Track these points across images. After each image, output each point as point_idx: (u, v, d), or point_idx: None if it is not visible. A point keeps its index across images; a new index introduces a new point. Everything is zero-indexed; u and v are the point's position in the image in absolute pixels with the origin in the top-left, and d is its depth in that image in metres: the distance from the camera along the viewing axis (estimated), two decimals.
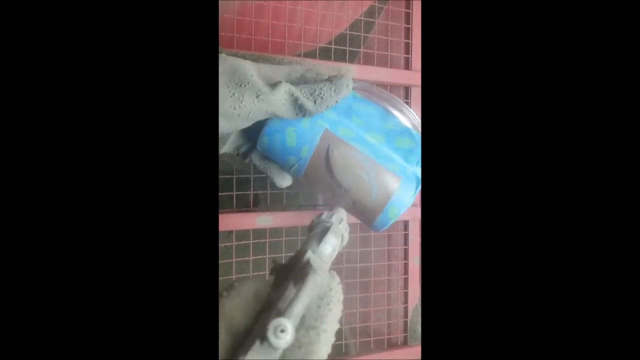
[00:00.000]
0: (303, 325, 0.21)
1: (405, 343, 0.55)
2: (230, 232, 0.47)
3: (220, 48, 0.36)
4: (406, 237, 0.55)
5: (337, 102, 0.34)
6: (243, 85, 0.32)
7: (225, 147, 0.39)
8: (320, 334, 0.21)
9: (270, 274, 0.25)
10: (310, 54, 0.50)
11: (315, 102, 0.34)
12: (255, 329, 0.21)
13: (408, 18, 0.54)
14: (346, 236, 0.26)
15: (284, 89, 0.33)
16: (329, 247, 0.24)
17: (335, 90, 0.34)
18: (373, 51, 0.52)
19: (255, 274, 0.47)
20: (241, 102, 0.32)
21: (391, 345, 0.55)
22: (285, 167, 0.38)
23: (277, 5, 0.48)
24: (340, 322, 0.23)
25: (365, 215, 0.38)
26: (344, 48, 0.51)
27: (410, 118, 0.43)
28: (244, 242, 0.47)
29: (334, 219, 0.27)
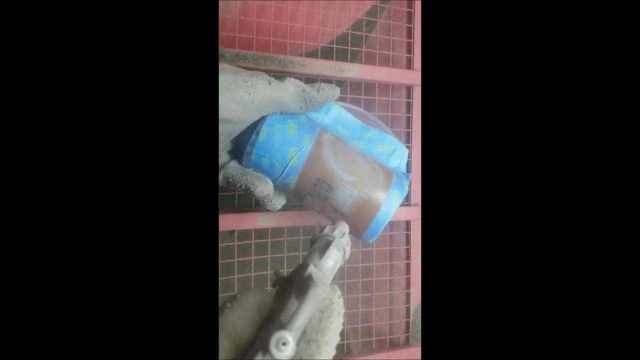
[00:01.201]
0: (304, 338, 0.22)
1: (407, 343, 0.55)
2: (232, 231, 0.47)
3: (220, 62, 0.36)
4: (408, 237, 0.55)
5: (333, 96, 0.37)
6: (254, 76, 0.34)
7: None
8: (321, 346, 0.22)
9: (272, 286, 0.26)
10: (312, 54, 0.50)
11: (318, 91, 0.36)
12: (257, 341, 0.22)
13: (410, 17, 0.53)
14: (348, 250, 0.27)
15: (291, 81, 0.36)
16: (331, 261, 0.25)
17: (330, 88, 0.37)
18: (375, 51, 0.52)
19: (257, 273, 0.47)
20: (255, 88, 0.34)
21: (393, 345, 0.55)
22: (279, 165, 0.37)
23: (278, 5, 0.48)
24: (342, 331, 0.23)
25: (365, 211, 0.38)
26: (345, 47, 0.51)
27: (387, 131, 0.43)
28: (245, 242, 0.47)
29: (336, 232, 0.27)
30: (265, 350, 0.19)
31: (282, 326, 0.20)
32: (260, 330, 0.22)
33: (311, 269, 0.24)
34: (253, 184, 0.37)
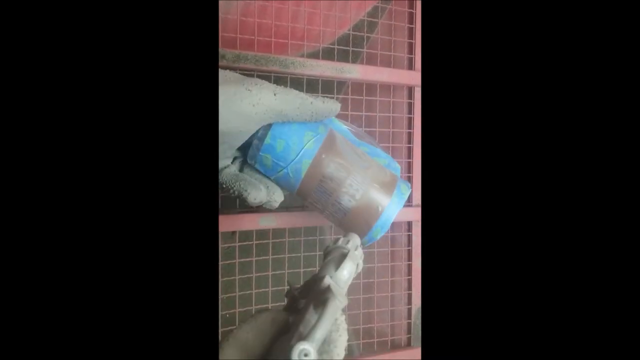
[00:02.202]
0: (320, 350, 0.22)
1: (408, 344, 0.55)
2: (233, 232, 0.47)
3: (224, 69, 0.36)
4: (409, 238, 0.54)
5: (335, 110, 0.37)
6: (258, 85, 0.33)
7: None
8: (333, 357, 0.22)
9: (286, 296, 0.26)
10: (314, 55, 0.50)
11: (323, 102, 0.35)
12: (273, 352, 0.22)
13: (411, 18, 0.53)
14: (361, 263, 0.27)
15: (295, 93, 0.34)
16: (346, 274, 0.25)
17: (333, 101, 0.36)
18: (376, 51, 0.52)
19: (258, 274, 0.47)
20: (260, 99, 0.32)
21: (394, 346, 0.55)
22: (295, 148, 0.37)
23: (280, 6, 0.48)
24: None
25: (369, 211, 0.38)
26: (347, 48, 0.51)
27: (379, 148, 0.43)
28: (247, 242, 0.47)
29: (350, 245, 0.28)
30: None
31: (303, 337, 0.21)
32: (274, 342, 0.23)
33: (328, 280, 0.24)
34: (246, 191, 0.36)
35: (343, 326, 0.24)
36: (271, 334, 0.24)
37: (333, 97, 0.40)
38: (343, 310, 0.24)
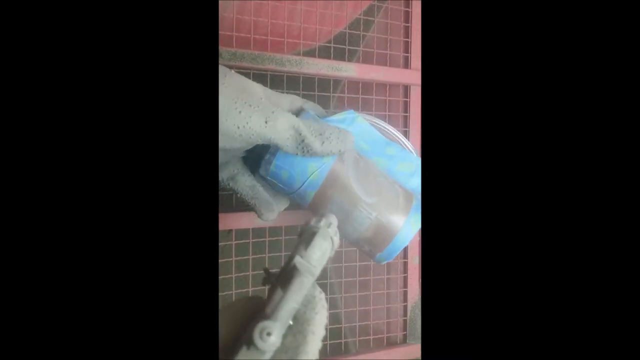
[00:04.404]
0: (290, 332, 0.21)
1: (404, 341, 0.55)
2: (230, 230, 0.47)
3: (230, 68, 0.34)
4: None
5: (339, 151, 0.34)
6: (252, 106, 0.31)
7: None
8: (307, 335, 0.21)
9: (263, 284, 0.25)
10: (310, 53, 0.50)
11: (322, 143, 0.33)
12: (242, 337, 0.21)
13: (407, 17, 0.54)
14: (336, 240, 0.26)
15: (291, 123, 0.32)
16: (317, 251, 0.24)
17: (341, 140, 0.34)
18: (372, 50, 0.52)
19: (255, 272, 0.47)
20: (247, 122, 0.31)
21: (390, 343, 0.55)
22: (298, 179, 0.36)
23: (276, 4, 0.48)
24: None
25: (382, 234, 0.37)
26: (343, 47, 0.51)
27: (409, 148, 0.43)
28: (243, 241, 0.47)
29: (322, 223, 0.26)
30: (250, 342, 0.19)
31: (267, 317, 0.20)
32: (247, 329, 0.22)
33: (296, 259, 0.23)
34: (260, 211, 0.37)
35: (321, 304, 0.23)
36: (247, 322, 0.22)
37: (341, 132, 0.34)
38: (322, 291, 0.23)
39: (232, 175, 0.38)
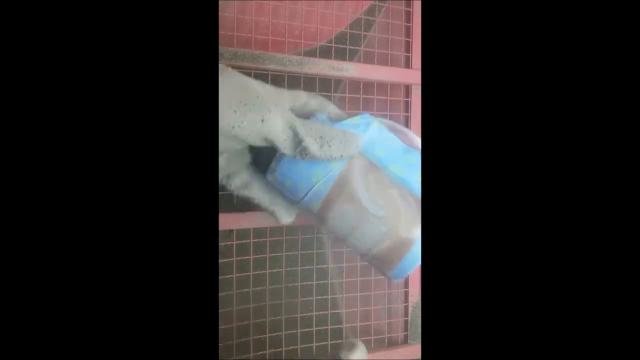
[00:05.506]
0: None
1: (405, 342, 0.55)
2: (231, 231, 0.47)
3: (229, 67, 0.33)
4: None
5: (341, 157, 0.33)
6: (247, 105, 0.30)
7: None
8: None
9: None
10: (311, 53, 0.50)
11: (321, 147, 0.32)
12: None
13: (408, 16, 0.53)
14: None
15: (288, 123, 0.31)
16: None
17: (344, 145, 0.32)
18: (373, 50, 0.52)
19: (255, 273, 0.47)
20: (242, 122, 0.30)
21: (391, 344, 0.55)
22: (302, 188, 0.34)
23: (277, 4, 0.48)
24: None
25: (394, 251, 0.35)
26: (344, 46, 0.50)
27: None
28: (244, 241, 0.47)
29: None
30: None
31: None
32: None
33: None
34: (279, 216, 0.37)
35: None
36: None
37: (346, 136, 0.32)
38: None
39: (245, 182, 0.37)
